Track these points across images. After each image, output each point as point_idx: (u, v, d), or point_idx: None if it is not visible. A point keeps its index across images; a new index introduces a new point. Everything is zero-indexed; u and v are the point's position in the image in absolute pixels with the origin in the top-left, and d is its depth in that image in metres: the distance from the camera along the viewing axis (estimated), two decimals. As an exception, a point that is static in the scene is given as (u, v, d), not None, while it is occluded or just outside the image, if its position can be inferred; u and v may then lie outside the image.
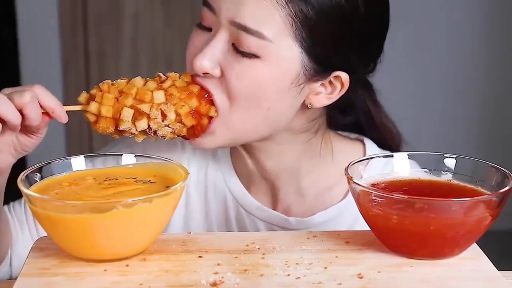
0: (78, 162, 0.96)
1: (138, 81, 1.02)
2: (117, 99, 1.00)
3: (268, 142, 1.14)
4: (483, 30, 3.08)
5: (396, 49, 3.03)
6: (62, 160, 0.95)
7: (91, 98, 1.01)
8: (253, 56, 1.03)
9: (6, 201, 1.12)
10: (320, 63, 1.06)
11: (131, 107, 1.00)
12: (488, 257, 0.91)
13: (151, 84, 1.02)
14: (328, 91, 1.09)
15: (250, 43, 1.02)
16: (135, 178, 0.93)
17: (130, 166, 0.97)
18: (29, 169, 0.91)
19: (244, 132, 1.08)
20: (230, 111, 1.06)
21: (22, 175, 0.89)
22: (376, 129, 1.24)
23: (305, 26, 1.02)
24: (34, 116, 0.94)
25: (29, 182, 0.90)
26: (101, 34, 3.08)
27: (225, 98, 1.05)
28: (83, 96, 1.02)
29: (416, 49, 3.06)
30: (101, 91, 1.01)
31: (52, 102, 0.96)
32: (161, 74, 1.05)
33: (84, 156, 0.97)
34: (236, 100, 1.05)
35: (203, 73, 1.05)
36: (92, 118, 1.01)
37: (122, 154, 0.98)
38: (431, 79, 3.11)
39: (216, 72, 1.05)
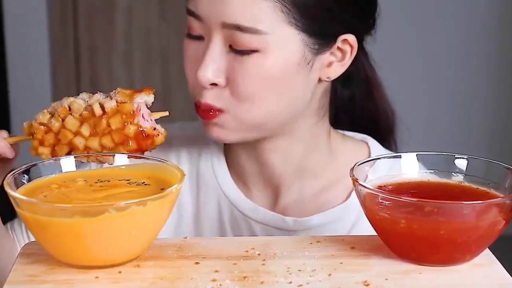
0: (68, 163, 0.96)
1: (72, 123, 1.01)
2: (54, 147, 1.02)
3: (281, 138, 1.16)
4: (496, 27, 3.09)
5: (408, 47, 3.06)
6: (51, 161, 0.96)
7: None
8: (252, 52, 1.07)
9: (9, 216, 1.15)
10: (321, 36, 1.10)
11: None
12: (501, 263, 0.91)
13: (85, 131, 1.01)
14: (339, 58, 1.13)
15: (247, 40, 1.06)
16: (128, 180, 0.93)
17: (123, 167, 0.97)
18: (16, 170, 0.91)
19: (262, 122, 1.11)
20: (243, 108, 1.09)
21: (8, 177, 0.89)
22: (372, 99, 1.27)
23: (294, 8, 1.07)
24: None
25: (16, 184, 0.90)
26: (93, 28, 3.08)
27: (235, 100, 1.09)
28: (26, 128, 1.04)
29: (428, 48, 3.08)
30: (38, 134, 1.02)
31: None
32: (97, 105, 1.01)
33: (74, 157, 0.97)
34: (248, 98, 1.09)
35: (210, 85, 1.08)
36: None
37: (114, 154, 0.98)
38: (443, 77, 3.12)
39: (221, 80, 1.08)
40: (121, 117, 1.01)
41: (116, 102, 1.01)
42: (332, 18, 1.10)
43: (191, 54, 1.12)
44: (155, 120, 1.04)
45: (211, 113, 1.10)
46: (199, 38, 1.11)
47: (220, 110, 1.10)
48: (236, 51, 1.07)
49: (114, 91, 1.03)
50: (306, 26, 1.08)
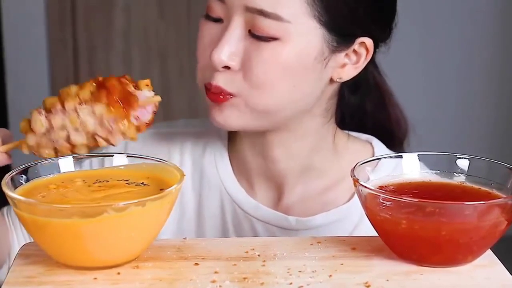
0: (66, 163, 0.96)
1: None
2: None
3: (287, 133, 1.17)
4: (499, 28, 3.09)
5: (409, 47, 3.06)
6: (49, 161, 0.95)
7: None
8: (272, 39, 1.07)
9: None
10: (341, 34, 1.10)
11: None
12: (503, 265, 0.91)
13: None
14: (353, 61, 1.14)
15: (268, 26, 1.06)
16: (127, 180, 0.93)
17: (122, 167, 0.97)
18: (14, 170, 0.91)
19: (271, 111, 1.11)
20: (255, 94, 1.09)
21: (6, 177, 0.89)
22: (384, 108, 1.28)
23: (319, 2, 1.07)
24: None
25: (14, 184, 0.90)
26: (91, 27, 3.08)
27: (248, 86, 1.09)
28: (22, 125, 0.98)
29: (430, 48, 3.08)
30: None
31: None
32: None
33: (73, 157, 0.97)
34: (260, 85, 1.09)
35: (223, 67, 1.08)
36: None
37: (113, 154, 0.98)
38: (445, 77, 3.12)
39: (235, 64, 1.08)
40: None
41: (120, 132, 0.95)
42: (354, 19, 1.11)
43: (207, 35, 1.11)
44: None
45: (221, 96, 1.10)
46: (218, 20, 1.10)
47: (231, 94, 1.10)
48: (255, 36, 1.07)
49: (102, 113, 0.94)
50: (328, 22, 1.08)
